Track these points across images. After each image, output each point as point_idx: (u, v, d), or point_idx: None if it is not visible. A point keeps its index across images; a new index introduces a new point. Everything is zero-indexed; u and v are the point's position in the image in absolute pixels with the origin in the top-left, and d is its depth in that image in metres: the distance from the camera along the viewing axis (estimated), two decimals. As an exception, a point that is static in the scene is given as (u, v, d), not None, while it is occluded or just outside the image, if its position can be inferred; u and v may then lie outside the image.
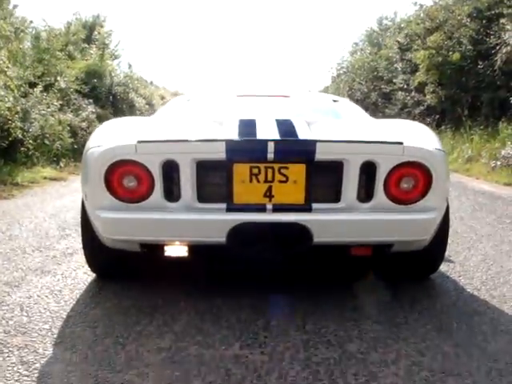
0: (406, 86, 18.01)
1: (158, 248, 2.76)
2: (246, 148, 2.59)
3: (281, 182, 2.56)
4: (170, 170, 2.57)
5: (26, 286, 3.15)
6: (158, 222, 2.61)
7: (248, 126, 2.77)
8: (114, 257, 3.09)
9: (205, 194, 2.61)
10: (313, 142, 2.55)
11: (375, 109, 19.87)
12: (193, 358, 2.25)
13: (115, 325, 2.59)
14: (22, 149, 9.25)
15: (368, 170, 2.60)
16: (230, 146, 2.53)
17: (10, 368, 2.15)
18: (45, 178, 8.74)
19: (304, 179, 2.56)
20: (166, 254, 2.76)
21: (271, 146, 2.50)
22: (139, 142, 2.56)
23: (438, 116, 15.57)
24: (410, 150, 2.61)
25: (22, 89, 10.20)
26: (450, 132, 13.87)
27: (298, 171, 2.56)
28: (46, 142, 10.19)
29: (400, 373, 2.15)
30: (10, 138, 8.83)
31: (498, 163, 9.88)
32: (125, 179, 2.60)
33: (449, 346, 2.40)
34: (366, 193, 2.63)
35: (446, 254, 3.34)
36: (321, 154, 2.53)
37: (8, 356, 2.26)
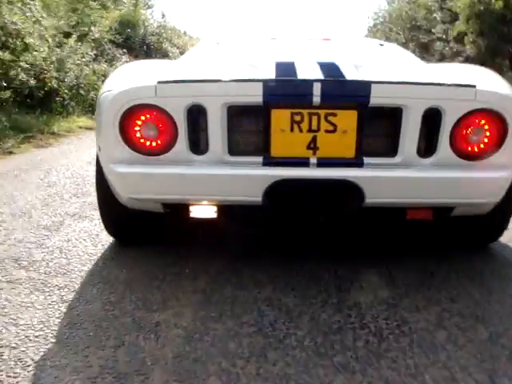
0: (444, 36, 17.51)
1: (182, 208, 2.44)
2: (287, 90, 2.18)
3: (328, 131, 2.19)
4: (197, 116, 2.22)
5: (64, 230, 3.24)
6: (182, 178, 2.28)
7: (287, 69, 2.38)
8: (134, 218, 2.80)
9: (237, 146, 2.26)
10: (367, 84, 2.16)
11: (412, 60, 19.38)
12: (227, 299, 2.31)
13: (151, 267, 2.66)
14: (58, 99, 9.34)
15: (431, 119, 2.22)
16: (268, 87, 2.14)
17: (51, 306, 2.24)
18: (80, 127, 8.86)
19: (355, 128, 2.19)
20: (192, 215, 2.45)
21: (317, 88, 2.12)
22: (160, 82, 2.20)
23: (477, 67, 15.17)
24: (484, 95, 2.21)
25: (56, 39, 10.23)
26: (490, 84, 13.51)
27: (348, 119, 2.19)
28: (81, 91, 10.27)
29: (431, 318, 2.17)
30: (46, 88, 8.91)
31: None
32: (143, 127, 2.25)
33: (481, 294, 2.40)
34: (427, 145, 2.27)
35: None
36: (376, 99, 2.15)
37: (49, 295, 2.35)
